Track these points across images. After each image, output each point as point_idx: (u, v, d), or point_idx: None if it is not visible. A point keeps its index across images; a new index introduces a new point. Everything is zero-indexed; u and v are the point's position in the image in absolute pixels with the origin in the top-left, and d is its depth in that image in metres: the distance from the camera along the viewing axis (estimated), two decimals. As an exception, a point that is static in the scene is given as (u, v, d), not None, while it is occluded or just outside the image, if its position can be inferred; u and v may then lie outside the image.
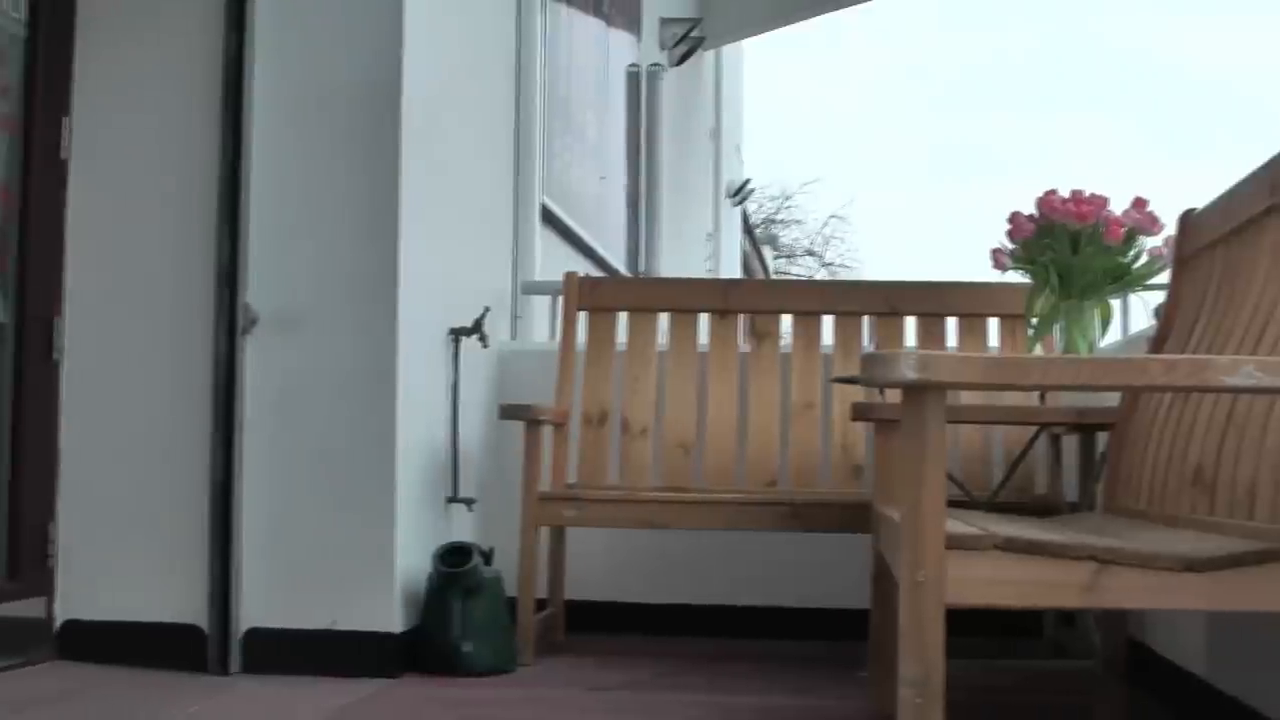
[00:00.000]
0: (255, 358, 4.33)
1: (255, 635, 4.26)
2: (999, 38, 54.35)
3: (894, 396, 2.57)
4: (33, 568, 4.33)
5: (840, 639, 4.74)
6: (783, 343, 5.22)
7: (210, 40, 4.39)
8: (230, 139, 4.36)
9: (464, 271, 5.10)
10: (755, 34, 12.47)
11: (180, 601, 4.29)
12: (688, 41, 10.49)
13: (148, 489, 4.39)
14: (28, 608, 4.31)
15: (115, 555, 4.39)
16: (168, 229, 4.43)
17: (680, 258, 10.20)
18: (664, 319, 5.24)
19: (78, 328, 4.45)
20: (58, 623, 4.39)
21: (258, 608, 4.27)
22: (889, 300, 5.15)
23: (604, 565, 5.21)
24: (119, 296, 4.45)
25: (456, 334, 4.80)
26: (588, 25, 7.91)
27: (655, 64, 9.73)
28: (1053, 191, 4.07)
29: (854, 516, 4.35)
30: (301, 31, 4.40)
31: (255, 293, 4.33)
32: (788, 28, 12.35)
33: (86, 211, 4.48)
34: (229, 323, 4.31)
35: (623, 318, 5.22)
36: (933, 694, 2.30)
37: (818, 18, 11.92)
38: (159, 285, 4.43)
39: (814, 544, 4.95)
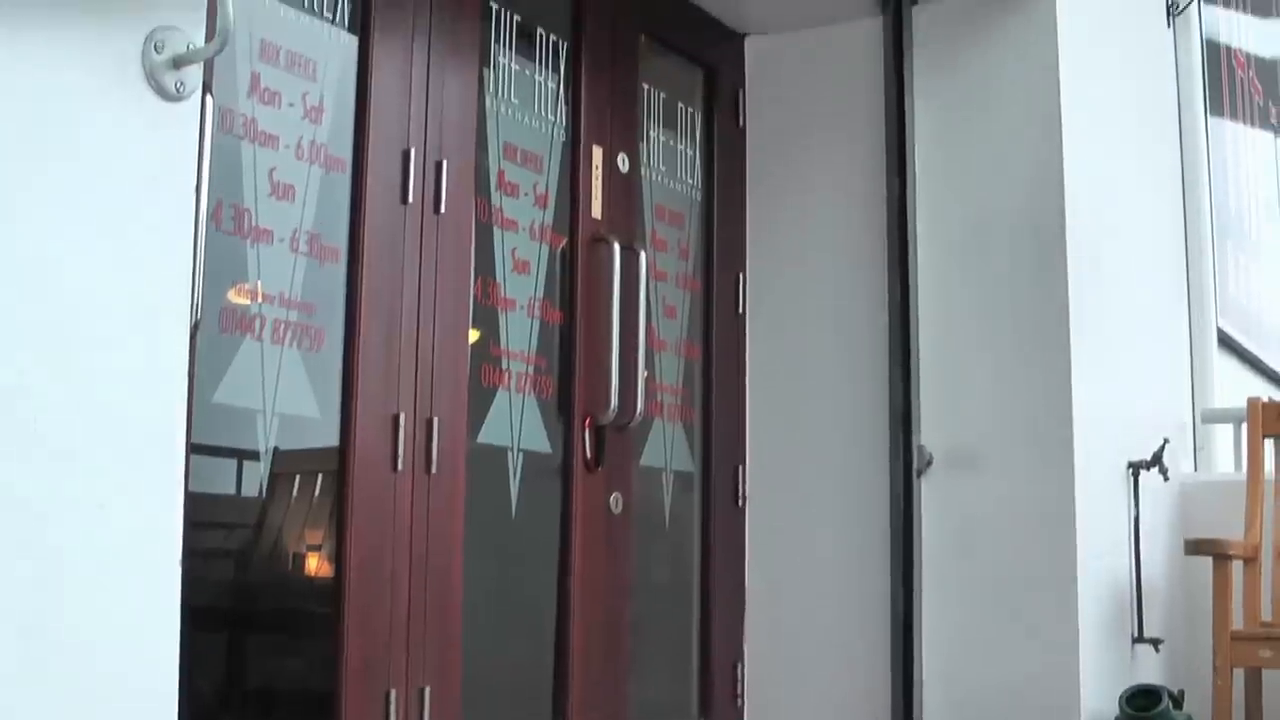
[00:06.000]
0: (931, 497, 4.36)
1: (939, 773, 4.26)
2: None
3: None
4: (723, 706, 4.49)
5: None
6: None
7: (872, 187, 4.54)
8: (898, 282, 4.46)
9: (1139, 402, 4.96)
10: None
11: (865, 738, 4.35)
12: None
13: (829, 626, 4.49)
14: (722, 744, 4.48)
15: (800, 694, 4.49)
16: (840, 374, 4.56)
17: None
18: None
19: (759, 472, 4.64)
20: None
21: (941, 746, 4.27)
22: None
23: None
24: (797, 441, 4.61)
25: (1135, 467, 4.67)
26: (1256, 136, 7.60)
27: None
28: None
29: None
30: (961, 172, 4.46)
31: (928, 433, 4.38)
32: None
33: (763, 362, 4.69)
34: (904, 463, 4.38)
35: (1315, 443, 4.91)
36: None
37: None
38: (834, 429, 4.55)
39: None
